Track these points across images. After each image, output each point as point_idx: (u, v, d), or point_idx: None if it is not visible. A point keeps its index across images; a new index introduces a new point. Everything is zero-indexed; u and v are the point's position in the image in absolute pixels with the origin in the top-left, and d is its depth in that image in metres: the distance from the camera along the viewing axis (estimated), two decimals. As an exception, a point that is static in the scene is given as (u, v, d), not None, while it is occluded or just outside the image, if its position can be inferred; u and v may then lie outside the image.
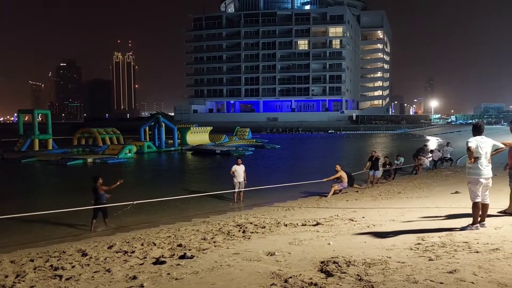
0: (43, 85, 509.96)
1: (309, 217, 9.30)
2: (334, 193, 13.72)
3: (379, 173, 16.01)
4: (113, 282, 4.76)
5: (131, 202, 10.67)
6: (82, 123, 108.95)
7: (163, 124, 36.29)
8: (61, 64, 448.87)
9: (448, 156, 21.19)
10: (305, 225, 8.07)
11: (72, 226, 10.60)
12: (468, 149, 6.05)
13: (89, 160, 27.19)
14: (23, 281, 5.07)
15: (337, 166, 14.16)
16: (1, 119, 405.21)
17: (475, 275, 4.14)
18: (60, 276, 5.12)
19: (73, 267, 5.73)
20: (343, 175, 13.98)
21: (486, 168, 6.16)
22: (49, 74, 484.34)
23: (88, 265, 5.82)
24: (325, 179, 14.20)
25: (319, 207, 11.49)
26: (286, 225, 8.15)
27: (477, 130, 6.25)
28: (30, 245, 8.66)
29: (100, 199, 10.55)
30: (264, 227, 8.11)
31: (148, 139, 37.49)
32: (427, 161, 19.52)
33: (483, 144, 6.16)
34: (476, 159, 6.08)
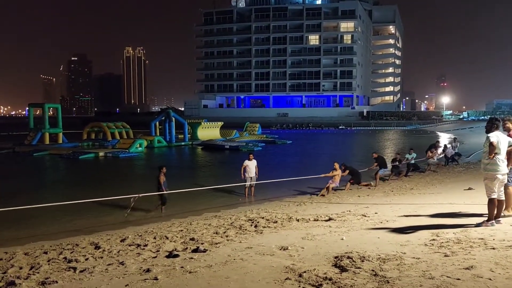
0: (54, 79, 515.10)
1: (321, 212, 9.26)
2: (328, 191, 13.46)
3: (383, 171, 15.78)
4: (127, 274, 4.78)
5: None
6: (93, 117, 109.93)
7: (174, 119, 36.43)
8: (72, 58, 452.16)
9: (456, 150, 21.00)
10: (317, 220, 8.04)
11: (84, 219, 10.68)
12: (491, 144, 5.94)
13: (101, 154, 27.38)
14: (38, 272, 5.11)
15: (335, 164, 14.00)
16: (13, 113, 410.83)
17: (492, 271, 4.08)
18: (74, 268, 5.16)
19: (86, 259, 5.78)
20: (338, 173, 13.76)
21: (503, 164, 6.08)
22: (61, 68, 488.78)
23: (102, 257, 5.87)
24: (323, 175, 14.06)
25: (331, 203, 11.43)
26: (298, 220, 8.13)
27: (496, 125, 6.14)
28: (43, 238, 8.73)
29: (162, 186, 11.38)
30: (276, 222, 8.10)
31: (158, 134, 37.68)
32: (435, 157, 18.99)
33: (501, 140, 6.06)
34: (495, 154, 5.98)
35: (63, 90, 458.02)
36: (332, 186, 13.56)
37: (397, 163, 17.10)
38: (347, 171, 14.30)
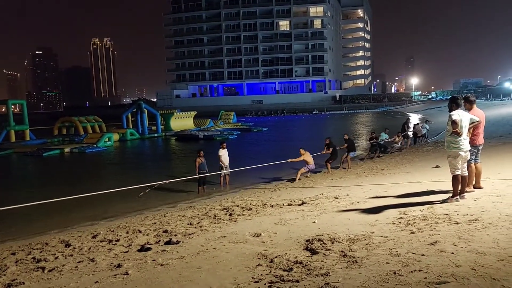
0: (19, 74, 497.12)
1: (295, 197, 9.36)
2: (301, 176, 13.46)
3: (352, 154, 16.02)
4: (97, 271, 4.71)
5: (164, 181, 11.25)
6: (62, 112, 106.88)
7: (146, 110, 35.85)
8: (37, 52, 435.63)
9: (425, 131, 21.71)
10: (291, 205, 8.12)
11: (52, 218, 10.35)
12: (454, 122, 6.07)
13: (66, 150, 26.50)
14: (4, 275, 4.98)
15: (301, 150, 13.92)
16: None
17: (455, 245, 4.21)
18: (43, 268, 5.05)
19: (56, 258, 5.67)
20: (307, 158, 13.68)
21: (465, 141, 6.25)
22: (25, 63, 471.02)
23: (72, 255, 5.76)
24: (289, 160, 13.99)
25: (305, 187, 11.56)
26: (272, 206, 8.19)
27: (456, 104, 6.29)
28: (11, 239, 8.47)
29: (201, 168, 12.49)
30: (251, 209, 8.13)
31: (131, 126, 37.02)
32: (399, 143, 19.25)
33: (463, 118, 6.22)
34: (458, 131, 6.13)
35: (29, 85, 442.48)
36: (302, 171, 13.50)
37: (374, 140, 17.39)
38: (331, 149, 14.43)
